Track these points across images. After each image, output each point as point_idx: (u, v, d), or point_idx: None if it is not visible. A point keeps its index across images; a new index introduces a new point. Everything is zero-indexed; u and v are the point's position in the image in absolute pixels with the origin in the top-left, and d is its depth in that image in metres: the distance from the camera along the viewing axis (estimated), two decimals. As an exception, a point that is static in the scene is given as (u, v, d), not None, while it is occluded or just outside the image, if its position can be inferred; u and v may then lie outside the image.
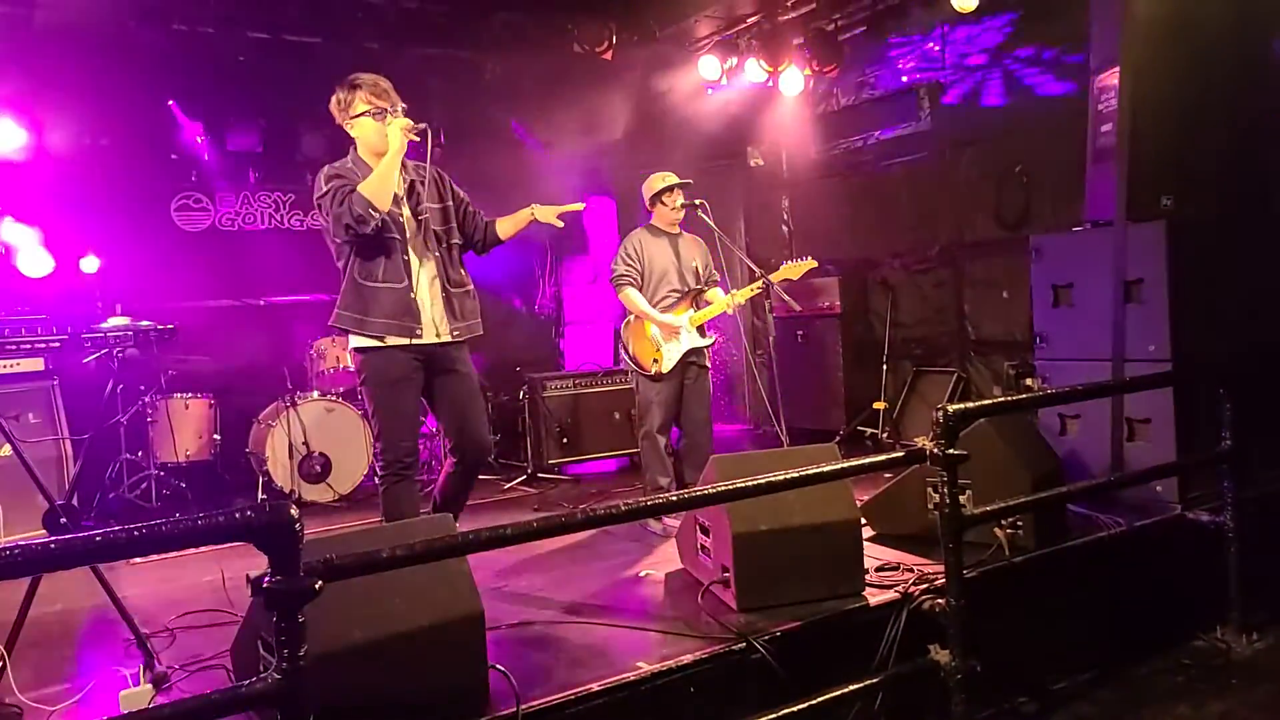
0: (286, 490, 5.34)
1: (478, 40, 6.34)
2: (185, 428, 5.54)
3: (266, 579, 1.71)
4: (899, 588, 3.10)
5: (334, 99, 3.42)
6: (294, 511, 1.73)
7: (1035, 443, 3.91)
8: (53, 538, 1.50)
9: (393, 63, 6.17)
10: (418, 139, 3.31)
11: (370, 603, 2.17)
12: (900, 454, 2.85)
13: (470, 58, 6.67)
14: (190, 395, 5.66)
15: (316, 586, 1.73)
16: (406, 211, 3.40)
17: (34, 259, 5.31)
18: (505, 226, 3.63)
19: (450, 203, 3.55)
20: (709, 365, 4.88)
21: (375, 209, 3.17)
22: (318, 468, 5.46)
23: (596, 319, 8.11)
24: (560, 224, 3.67)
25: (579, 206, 3.71)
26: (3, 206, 5.42)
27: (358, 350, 3.40)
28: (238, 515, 1.69)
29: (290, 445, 5.35)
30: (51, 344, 2.62)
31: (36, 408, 4.19)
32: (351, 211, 3.17)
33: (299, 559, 1.72)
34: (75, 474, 2.77)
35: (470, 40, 6.38)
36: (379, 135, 3.30)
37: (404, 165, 3.44)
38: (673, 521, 4.12)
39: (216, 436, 5.79)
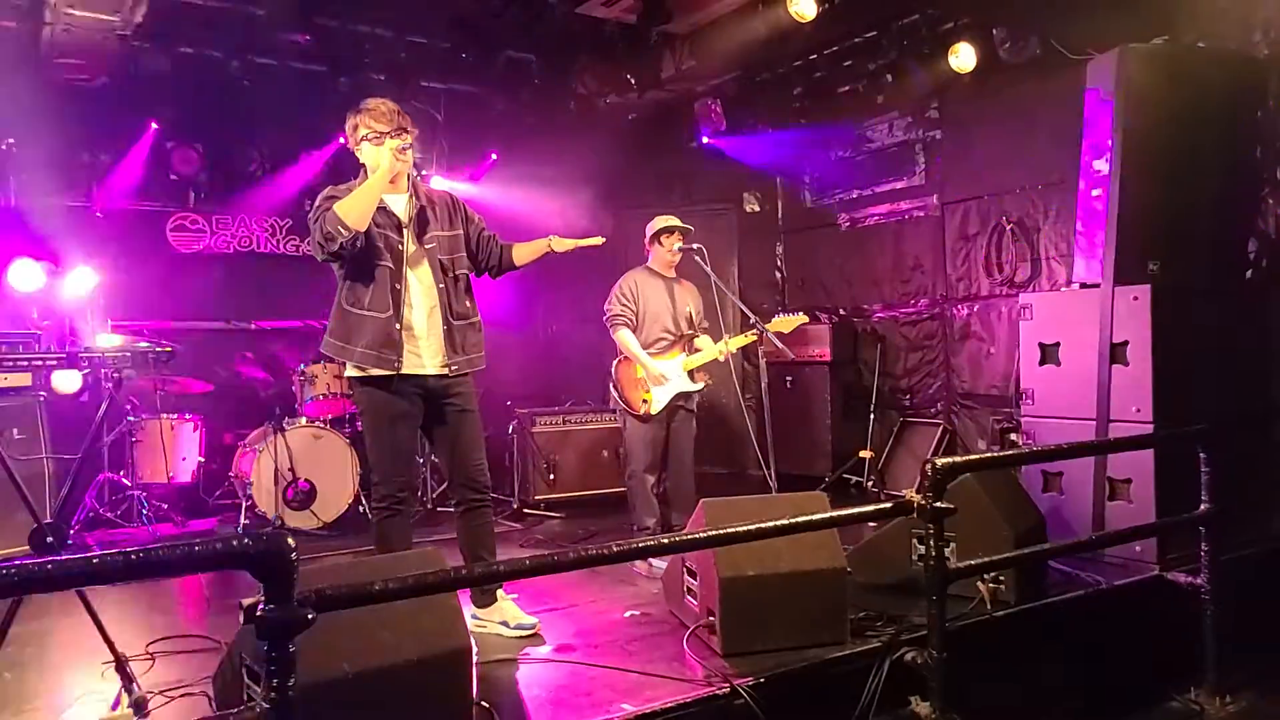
0: (270, 516, 5.29)
1: (483, 76, 6.45)
2: (170, 449, 5.51)
3: (260, 607, 1.70)
4: (882, 638, 3.11)
5: (346, 124, 3.42)
6: (290, 541, 1.73)
7: (1019, 498, 3.96)
8: (50, 559, 1.50)
9: (397, 94, 6.28)
10: (406, 159, 3.30)
11: (359, 635, 2.17)
12: (888, 505, 2.88)
13: (475, 93, 6.78)
14: (176, 416, 5.64)
15: (310, 617, 1.73)
16: (409, 240, 3.35)
17: (25, 273, 5.30)
18: (521, 254, 3.60)
19: (461, 230, 3.52)
20: (695, 409, 4.93)
21: (344, 227, 3.10)
22: (302, 495, 5.42)
23: (588, 355, 8.13)
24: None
25: (598, 241, 3.67)
26: None
27: (353, 379, 3.40)
28: (235, 543, 1.69)
29: (276, 470, 5.31)
30: (49, 361, 2.62)
31: (21, 423, 4.17)
32: (322, 229, 3.14)
33: (294, 589, 1.72)
34: (64, 494, 2.75)
35: (476, 76, 6.49)
36: (376, 159, 3.27)
37: (415, 192, 3.43)
38: (659, 563, 4.12)
39: (200, 459, 5.75)
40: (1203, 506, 3.31)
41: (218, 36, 5.72)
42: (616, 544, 2.34)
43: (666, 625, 3.47)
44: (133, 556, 1.58)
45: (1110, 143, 4.27)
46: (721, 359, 4.84)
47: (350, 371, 3.37)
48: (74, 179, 6.05)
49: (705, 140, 7.28)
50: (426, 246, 3.40)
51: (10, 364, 2.64)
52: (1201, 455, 3.29)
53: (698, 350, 4.85)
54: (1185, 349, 4.07)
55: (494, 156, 7.39)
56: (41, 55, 5.35)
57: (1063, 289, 4.62)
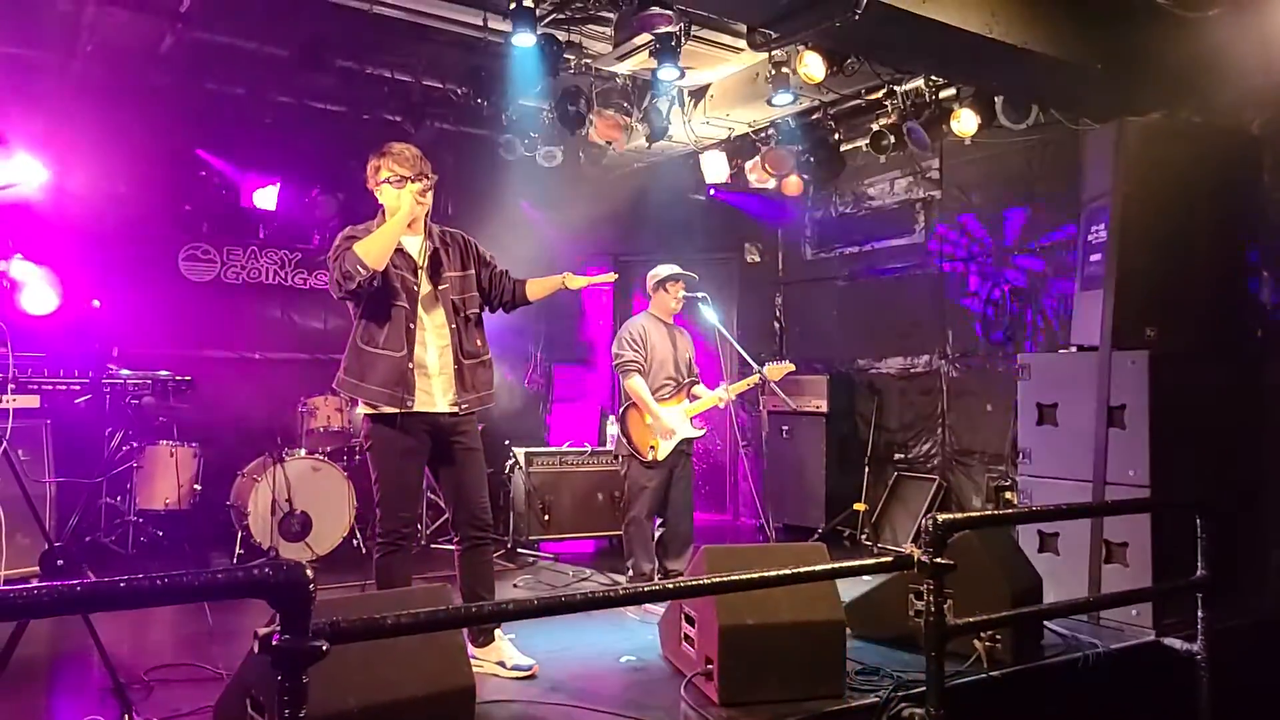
0: (265, 546, 5.27)
1: (496, 122, 6.60)
2: (168, 476, 5.49)
3: (276, 637, 1.72)
4: (879, 693, 3.12)
5: (367, 166, 3.50)
6: (309, 573, 1.76)
7: (1016, 557, 3.98)
8: (76, 581, 1.53)
9: (412, 136, 6.42)
10: (427, 202, 3.38)
11: (366, 669, 2.17)
12: (890, 559, 2.90)
13: (487, 137, 6.92)
14: (176, 443, 5.62)
15: (324, 649, 1.74)
16: (424, 281, 3.42)
17: (39, 296, 5.33)
18: (535, 289, 3.67)
19: (474, 270, 3.59)
20: (691, 453, 4.98)
21: (364, 267, 3.17)
22: (298, 526, 5.41)
23: (585, 397, 8.19)
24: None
25: (611, 278, 3.75)
26: (15, 243, 5.48)
27: (365, 416, 3.43)
28: (255, 572, 1.72)
29: (273, 501, 5.31)
30: (73, 386, 2.66)
31: (26, 445, 4.18)
32: (341, 267, 3.21)
33: (309, 619, 1.74)
34: (77, 517, 2.77)
35: (489, 121, 6.64)
36: (397, 202, 3.34)
37: (429, 233, 3.51)
38: (655, 608, 4.12)
39: (198, 487, 5.73)
40: (1199, 573, 3.34)
41: (241, 75, 5.86)
42: (621, 587, 2.37)
43: (662, 672, 3.47)
44: (157, 581, 1.60)
45: (1108, 210, 4.38)
46: (722, 405, 4.90)
47: (362, 408, 3.42)
48: (93, 206, 6.12)
49: (710, 192, 7.42)
50: (440, 288, 3.47)
51: (35, 387, 2.67)
52: (1198, 521, 3.33)
53: (697, 397, 4.90)
54: (1182, 414, 4.13)
55: (523, 204, 7.54)
56: (71, 83, 5.47)
57: (1060, 351, 4.70)
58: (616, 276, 3.76)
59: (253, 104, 6.02)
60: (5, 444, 2.63)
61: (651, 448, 4.74)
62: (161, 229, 6.56)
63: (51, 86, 5.46)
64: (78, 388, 2.69)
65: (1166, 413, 4.08)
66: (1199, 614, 3.49)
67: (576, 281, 3.65)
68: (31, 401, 4.26)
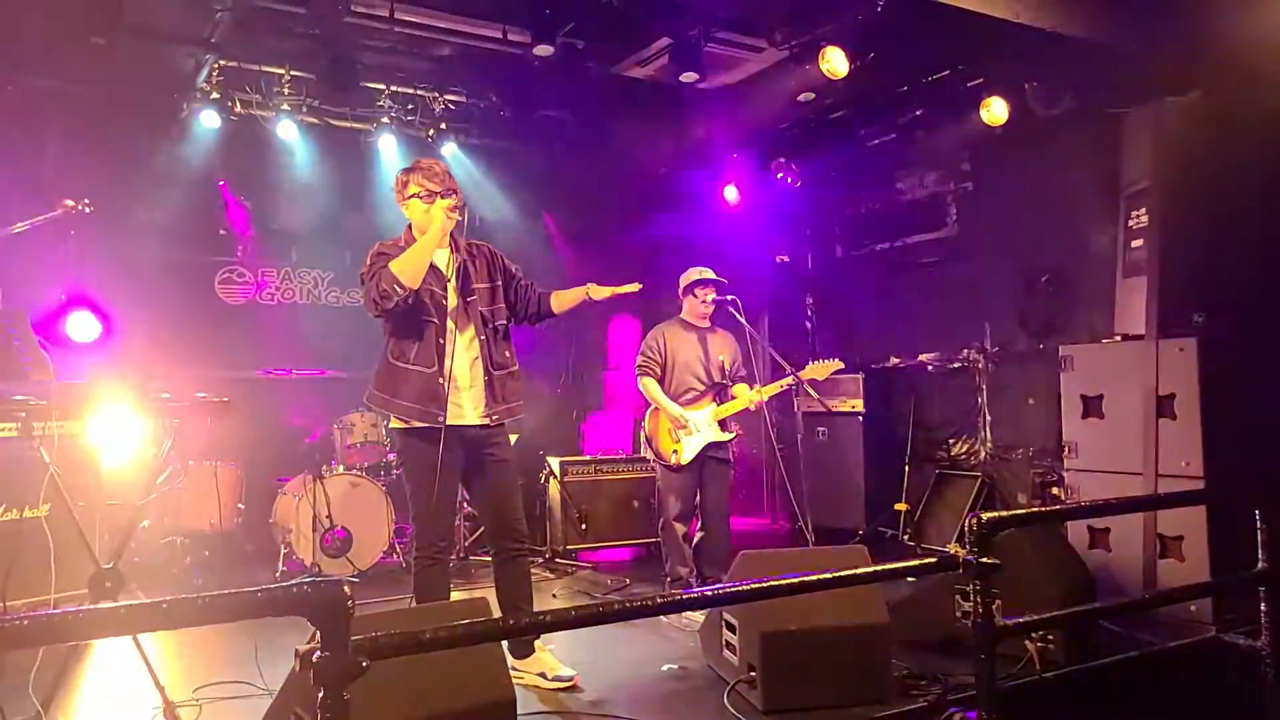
0: (308, 563, 5.32)
1: (522, 134, 6.63)
2: (212, 495, 5.56)
3: (316, 654, 1.72)
4: (927, 698, 3.05)
5: (395, 181, 3.54)
6: (347, 589, 1.75)
7: (1066, 554, 3.88)
8: (122, 603, 1.54)
9: (437, 150, 6.48)
10: (458, 217, 3.39)
11: (408, 683, 2.17)
12: (934, 560, 2.83)
13: (511, 149, 6.96)
14: (219, 463, 5.71)
15: (364, 665, 1.74)
16: (452, 294, 3.43)
17: (83, 324, 5.45)
18: (559, 302, 3.65)
19: (500, 281, 3.59)
20: (731, 460, 4.92)
21: (401, 286, 3.20)
22: (339, 542, 5.45)
23: (618, 405, 8.17)
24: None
25: (634, 288, 3.72)
26: (56, 272, 5.61)
27: (397, 431, 3.45)
28: (293, 590, 1.72)
29: (314, 518, 5.36)
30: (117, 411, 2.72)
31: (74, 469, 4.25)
32: (378, 286, 3.23)
33: (349, 636, 1.74)
34: (124, 539, 2.81)
35: (514, 133, 6.68)
36: (426, 217, 3.37)
37: (456, 246, 3.51)
38: (694, 615, 4.08)
39: (241, 505, 5.81)
40: (1260, 565, 3.22)
41: (268, 98, 5.96)
42: (660, 595, 2.34)
43: (705, 679, 3.43)
44: (198, 601, 1.61)
45: (1149, 194, 4.28)
46: (753, 408, 4.84)
47: (394, 423, 3.43)
48: (130, 233, 6.25)
49: (736, 193, 7.38)
50: (468, 300, 3.48)
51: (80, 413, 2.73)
52: (1257, 512, 3.21)
53: (731, 399, 4.86)
54: (1236, 401, 4.01)
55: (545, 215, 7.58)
56: (102, 113, 5.60)
57: (1104, 341, 4.58)
58: (640, 287, 3.74)
59: (279, 126, 6.10)
60: (53, 469, 2.68)
61: (674, 451, 4.72)
62: (197, 254, 6.69)
63: (86, 117, 5.59)
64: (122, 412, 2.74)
65: (1219, 400, 3.96)
66: (1262, 608, 3.36)
67: (600, 292, 3.62)
68: (78, 427, 4.34)
